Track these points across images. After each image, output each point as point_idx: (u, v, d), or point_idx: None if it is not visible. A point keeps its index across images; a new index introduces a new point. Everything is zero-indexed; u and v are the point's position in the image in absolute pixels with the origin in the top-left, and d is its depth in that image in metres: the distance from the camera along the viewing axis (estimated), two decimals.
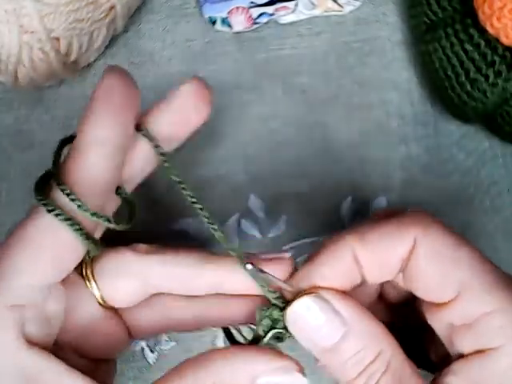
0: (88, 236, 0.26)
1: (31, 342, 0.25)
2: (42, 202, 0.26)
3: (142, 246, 0.29)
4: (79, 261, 0.27)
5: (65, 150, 0.28)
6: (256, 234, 0.38)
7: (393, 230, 0.26)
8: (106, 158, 0.26)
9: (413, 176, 0.38)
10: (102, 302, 0.29)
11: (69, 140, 0.28)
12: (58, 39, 0.34)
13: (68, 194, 0.25)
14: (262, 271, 0.27)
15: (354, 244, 0.26)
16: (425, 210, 0.27)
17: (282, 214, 0.38)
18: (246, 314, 0.29)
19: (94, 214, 0.26)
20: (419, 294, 0.26)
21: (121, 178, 0.28)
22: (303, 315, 0.26)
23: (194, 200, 0.30)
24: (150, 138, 0.29)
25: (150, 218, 0.39)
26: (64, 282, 0.27)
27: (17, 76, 0.35)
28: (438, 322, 0.26)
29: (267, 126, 0.39)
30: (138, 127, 0.28)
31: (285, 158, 0.39)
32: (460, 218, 0.38)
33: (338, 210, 0.38)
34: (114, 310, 0.30)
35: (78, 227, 0.25)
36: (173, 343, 0.37)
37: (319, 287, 0.26)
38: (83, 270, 0.29)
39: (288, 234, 0.38)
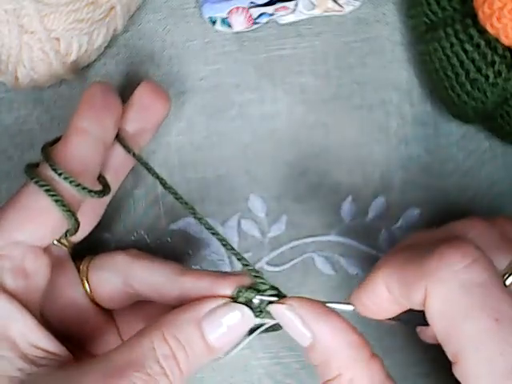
0: (63, 203, 0.29)
1: (4, 290, 0.28)
2: (28, 173, 0.30)
3: (133, 251, 0.33)
4: (58, 230, 0.30)
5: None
6: (256, 233, 0.38)
7: (410, 276, 0.26)
8: (86, 144, 0.31)
9: (413, 176, 0.38)
10: (91, 296, 0.33)
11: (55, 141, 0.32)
12: (58, 39, 0.34)
13: (52, 167, 0.30)
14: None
15: (386, 280, 0.27)
16: (464, 239, 0.27)
17: (282, 214, 0.38)
18: None
19: (75, 184, 0.30)
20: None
21: (100, 169, 0.32)
22: (279, 318, 0.28)
23: (174, 193, 0.33)
24: (125, 144, 0.34)
25: (150, 218, 0.39)
26: (54, 262, 0.31)
27: (17, 76, 0.35)
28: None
29: (267, 125, 0.39)
30: (117, 136, 0.33)
31: (285, 158, 0.39)
32: (460, 218, 0.38)
33: (338, 210, 0.38)
34: (107, 311, 0.34)
35: (53, 193, 0.29)
36: None
37: (302, 298, 0.28)
38: (82, 266, 0.34)
39: (288, 233, 0.38)
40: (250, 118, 0.39)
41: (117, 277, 0.32)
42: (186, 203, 0.32)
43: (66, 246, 0.34)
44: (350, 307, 0.29)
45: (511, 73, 0.33)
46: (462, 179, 0.39)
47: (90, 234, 0.35)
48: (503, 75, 0.33)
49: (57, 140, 0.32)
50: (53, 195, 0.29)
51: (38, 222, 0.30)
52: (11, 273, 0.29)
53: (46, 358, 0.28)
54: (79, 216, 0.31)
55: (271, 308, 0.29)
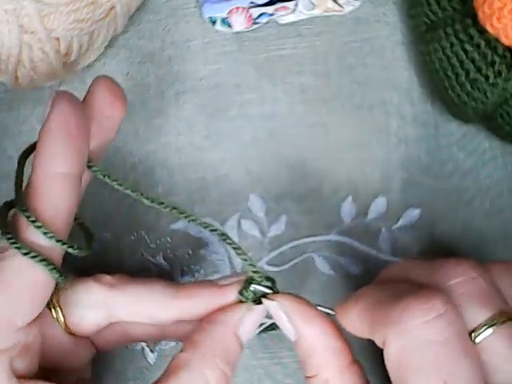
0: (57, 269, 0.26)
1: (20, 376, 0.26)
2: (10, 240, 0.26)
3: (107, 278, 0.30)
4: (50, 293, 0.27)
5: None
6: (256, 233, 0.38)
7: (375, 322, 0.27)
8: (65, 189, 0.27)
9: (413, 176, 0.38)
10: (66, 328, 0.30)
11: (28, 151, 0.29)
12: (58, 39, 0.34)
13: (34, 223, 0.26)
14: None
15: (356, 316, 0.28)
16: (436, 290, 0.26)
17: (282, 214, 0.38)
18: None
19: (60, 242, 0.26)
20: None
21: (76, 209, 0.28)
22: (271, 312, 0.29)
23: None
24: (97, 169, 0.29)
25: (151, 218, 0.39)
26: None
27: (17, 76, 0.35)
28: None
29: (267, 125, 0.39)
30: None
31: (285, 158, 0.39)
32: (460, 218, 0.38)
33: (338, 210, 0.38)
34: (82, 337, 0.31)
35: (47, 263, 0.26)
36: (173, 343, 0.37)
37: (292, 296, 0.29)
38: (51, 302, 0.30)
39: (288, 233, 0.38)
40: (250, 117, 0.39)
41: (98, 312, 0.30)
42: (174, 208, 0.29)
43: None
44: (332, 312, 0.30)
45: (511, 73, 0.33)
46: (462, 179, 0.39)
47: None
48: (503, 75, 0.33)
49: (31, 148, 0.28)
50: (48, 265, 0.26)
51: (37, 297, 0.27)
52: (21, 359, 0.27)
53: None
54: None
55: (264, 301, 0.29)
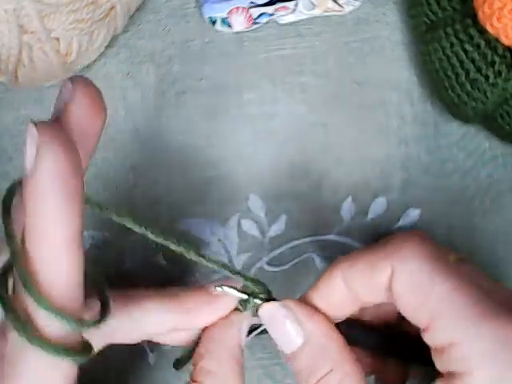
0: (79, 354, 0.23)
1: None
2: (24, 334, 0.22)
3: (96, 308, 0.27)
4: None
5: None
6: (256, 233, 0.38)
7: (374, 259, 0.28)
8: (74, 255, 0.22)
9: (413, 176, 0.38)
10: None
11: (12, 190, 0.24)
12: (57, 39, 0.34)
13: (47, 308, 0.21)
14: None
15: (345, 272, 0.29)
16: (414, 233, 0.29)
17: (281, 213, 0.38)
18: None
19: (76, 324, 0.22)
20: (404, 315, 0.28)
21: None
22: (269, 319, 0.29)
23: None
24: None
25: (150, 218, 0.39)
26: None
27: (17, 76, 0.35)
28: (424, 339, 0.27)
29: (267, 125, 0.39)
30: None
31: (285, 158, 0.39)
32: (460, 218, 0.38)
33: (338, 210, 0.38)
34: None
35: (72, 354, 0.23)
36: None
37: (290, 299, 0.29)
38: None
39: (288, 233, 0.38)
40: (250, 117, 0.39)
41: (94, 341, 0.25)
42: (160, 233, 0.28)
43: None
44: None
45: (511, 73, 0.33)
46: (462, 179, 0.39)
47: (90, 233, 0.35)
48: (503, 75, 0.33)
49: (14, 187, 0.24)
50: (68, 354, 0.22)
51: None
52: None
53: None
54: None
55: (263, 308, 0.29)
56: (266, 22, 0.38)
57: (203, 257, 0.28)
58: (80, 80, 0.22)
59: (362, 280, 0.28)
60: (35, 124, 0.20)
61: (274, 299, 0.29)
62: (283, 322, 0.28)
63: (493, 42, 0.33)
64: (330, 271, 0.29)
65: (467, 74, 0.34)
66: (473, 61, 0.34)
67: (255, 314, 0.29)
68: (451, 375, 0.26)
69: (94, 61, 0.38)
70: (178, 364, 0.31)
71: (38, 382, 0.22)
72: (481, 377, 0.25)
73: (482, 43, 0.33)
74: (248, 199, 0.38)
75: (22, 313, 0.22)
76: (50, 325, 0.22)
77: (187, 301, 0.30)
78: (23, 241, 0.22)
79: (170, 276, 0.38)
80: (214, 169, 0.39)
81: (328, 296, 0.29)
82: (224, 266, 0.29)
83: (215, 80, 0.39)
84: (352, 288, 0.28)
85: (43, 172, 0.20)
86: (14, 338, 0.22)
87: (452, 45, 0.34)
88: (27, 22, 0.33)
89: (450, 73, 0.35)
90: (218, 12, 0.38)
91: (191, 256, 0.28)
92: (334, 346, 0.28)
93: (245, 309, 0.29)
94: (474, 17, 0.33)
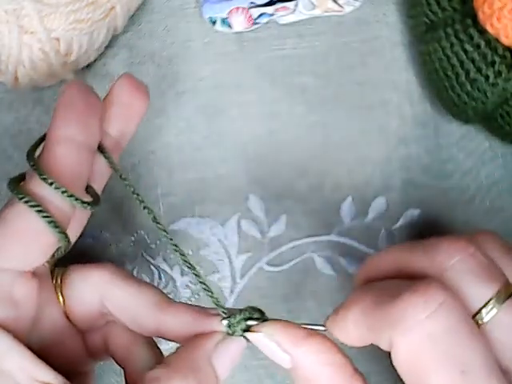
0: (56, 224, 0.27)
1: None
2: (14, 191, 0.27)
3: (111, 267, 0.31)
4: (50, 252, 0.28)
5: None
6: (256, 234, 0.38)
7: (378, 324, 0.26)
8: (72, 154, 0.28)
9: (413, 176, 0.38)
10: (64, 310, 0.30)
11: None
12: (57, 39, 0.34)
13: (44, 178, 0.27)
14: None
15: (356, 322, 0.27)
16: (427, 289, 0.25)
17: (281, 213, 0.38)
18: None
19: (68, 195, 0.28)
20: None
21: (87, 178, 0.30)
22: (257, 344, 0.28)
23: (145, 206, 0.31)
24: (107, 155, 0.31)
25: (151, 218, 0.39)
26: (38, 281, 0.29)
27: (17, 76, 0.35)
28: None
29: (267, 125, 0.39)
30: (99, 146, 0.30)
31: (285, 158, 0.39)
32: (460, 218, 0.38)
33: (338, 210, 0.38)
34: (77, 330, 0.31)
35: (46, 215, 0.27)
36: (172, 343, 0.37)
37: (278, 322, 0.28)
38: (54, 279, 0.31)
39: (288, 233, 0.38)
40: (250, 117, 0.39)
41: (92, 295, 0.30)
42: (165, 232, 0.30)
43: (48, 262, 0.30)
44: (322, 329, 0.29)
45: (511, 73, 0.33)
46: (462, 179, 0.39)
47: (90, 234, 0.35)
48: (503, 75, 0.33)
49: (40, 141, 0.30)
50: (45, 216, 0.27)
51: (30, 246, 0.27)
52: (0, 303, 0.27)
53: None
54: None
55: (248, 336, 0.28)
56: (266, 23, 0.38)
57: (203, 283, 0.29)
58: (126, 74, 0.32)
59: (370, 337, 0.27)
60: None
61: (266, 319, 0.29)
62: (269, 349, 0.28)
63: (493, 42, 0.33)
64: (343, 314, 0.28)
65: (467, 74, 0.34)
66: (473, 61, 0.34)
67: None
68: None
69: (94, 61, 0.38)
70: None
71: (26, 240, 0.27)
72: None
73: (482, 43, 0.33)
74: (248, 199, 0.38)
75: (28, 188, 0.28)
76: (52, 203, 0.27)
77: (181, 310, 0.29)
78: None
79: (170, 276, 0.38)
80: (213, 169, 0.39)
81: (343, 330, 0.28)
82: (217, 303, 0.29)
83: (215, 80, 0.39)
84: (362, 335, 0.27)
85: (62, 95, 0.29)
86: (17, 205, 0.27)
87: (452, 45, 0.34)
88: (27, 22, 0.33)
89: (449, 73, 0.35)
90: (218, 12, 0.38)
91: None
92: (323, 371, 0.27)
93: (232, 333, 0.28)
94: (474, 17, 0.33)
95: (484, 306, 0.26)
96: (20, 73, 0.35)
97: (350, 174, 0.39)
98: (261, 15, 0.38)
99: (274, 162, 0.39)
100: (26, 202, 0.27)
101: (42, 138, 0.29)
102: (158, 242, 0.39)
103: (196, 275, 0.29)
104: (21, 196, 0.27)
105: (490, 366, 0.24)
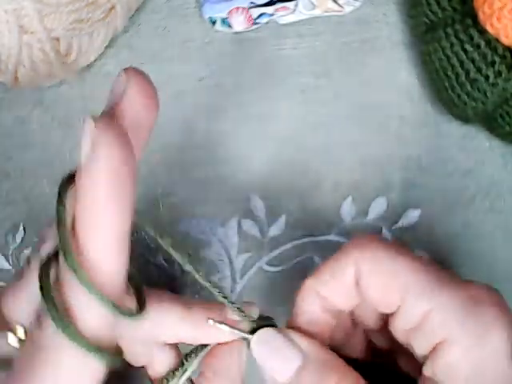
0: (111, 355, 0.24)
1: None
2: (60, 323, 0.22)
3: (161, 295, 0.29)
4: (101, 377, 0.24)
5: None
6: (256, 234, 0.38)
7: (338, 259, 0.28)
8: (120, 248, 0.23)
9: (413, 176, 0.38)
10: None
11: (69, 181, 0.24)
12: (57, 39, 0.34)
13: (89, 289, 0.22)
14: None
15: (313, 283, 0.29)
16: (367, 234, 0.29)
17: (281, 213, 0.38)
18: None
19: (118, 310, 0.23)
20: (375, 307, 0.28)
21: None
22: (264, 345, 0.28)
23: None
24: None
25: (150, 218, 0.39)
26: None
27: (17, 76, 0.35)
28: (397, 331, 0.27)
29: (267, 125, 0.39)
30: None
31: (285, 158, 0.39)
32: (460, 218, 0.38)
33: (338, 210, 0.38)
34: None
35: (105, 356, 0.23)
36: None
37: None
38: None
39: (288, 233, 0.38)
40: (249, 118, 0.39)
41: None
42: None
43: None
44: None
45: (511, 73, 0.33)
46: (461, 179, 0.39)
47: None
48: (503, 75, 0.33)
49: (71, 177, 0.23)
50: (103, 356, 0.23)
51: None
52: None
53: None
54: None
55: (261, 332, 0.28)
56: (266, 23, 0.38)
57: (210, 282, 0.28)
58: (133, 72, 0.23)
59: (331, 287, 0.28)
60: (92, 118, 0.21)
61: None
62: (279, 346, 0.28)
63: (493, 42, 0.33)
64: (301, 291, 0.29)
65: (467, 74, 0.34)
66: (473, 61, 0.34)
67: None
68: (432, 352, 0.26)
69: (94, 61, 0.38)
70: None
71: (65, 375, 0.23)
72: (458, 348, 0.25)
73: (482, 43, 0.33)
74: (248, 199, 0.38)
75: (61, 303, 0.22)
76: (88, 317, 0.22)
77: (199, 316, 0.28)
78: (72, 228, 0.22)
79: (170, 276, 0.38)
80: (214, 169, 0.39)
81: (307, 314, 0.29)
82: (227, 299, 0.28)
83: (215, 80, 0.39)
84: (325, 300, 0.28)
85: (97, 160, 0.21)
86: (50, 326, 0.22)
87: (452, 45, 0.34)
88: (27, 22, 0.33)
89: (450, 73, 0.35)
90: (218, 12, 0.38)
91: (200, 279, 0.28)
92: (336, 360, 0.27)
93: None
94: (474, 17, 0.33)
95: None
96: (20, 73, 0.35)
97: (350, 174, 0.39)
98: (261, 15, 0.38)
99: (274, 162, 0.39)
100: (73, 338, 0.22)
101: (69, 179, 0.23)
102: (158, 242, 0.38)
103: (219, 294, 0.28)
104: (65, 328, 0.22)
105: None
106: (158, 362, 0.30)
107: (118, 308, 0.23)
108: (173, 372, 0.29)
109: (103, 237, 0.22)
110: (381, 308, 0.28)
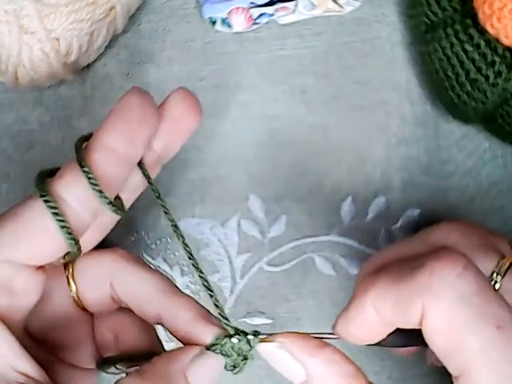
0: (69, 231, 0.27)
1: None
2: (38, 186, 0.27)
3: (121, 251, 0.31)
4: (58, 254, 0.28)
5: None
6: (256, 234, 0.38)
7: (405, 295, 0.25)
8: (111, 165, 0.27)
9: (413, 176, 0.38)
10: (77, 298, 0.30)
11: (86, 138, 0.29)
12: (58, 39, 0.34)
13: (85, 171, 0.27)
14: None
15: (375, 304, 0.26)
16: (451, 253, 0.25)
17: (281, 214, 0.38)
18: None
19: (98, 190, 0.27)
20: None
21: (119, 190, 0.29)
22: (268, 357, 0.28)
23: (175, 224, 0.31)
24: (146, 172, 0.30)
25: (150, 218, 0.39)
26: (47, 271, 0.28)
27: (17, 76, 0.35)
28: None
29: (267, 125, 0.39)
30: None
31: (285, 158, 0.39)
32: (460, 218, 0.38)
33: (338, 210, 0.38)
34: (88, 318, 0.31)
35: (61, 219, 0.26)
36: (172, 343, 0.37)
37: (290, 333, 0.27)
38: (66, 268, 0.30)
39: (288, 233, 0.38)
40: (250, 117, 0.39)
41: (104, 279, 0.30)
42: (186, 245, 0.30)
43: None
44: (334, 337, 0.28)
45: (511, 73, 0.33)
46: (462, 179, 0.39)
47: None
48: (503, 75, 0.33)
49: (89, 137, 0.28)
50: (60, 220, 0.26)
51: (38, 243, 0.27)
52: None
53: (26, 383, 0.26)
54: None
55: (260, 347, 0.28)
56: (266, 23, 0.38)
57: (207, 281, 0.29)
58: (181, 87, 0.30)
59: (395, 313, 0.26)
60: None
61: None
62: (282, 361, 0.27)
63: (493, 42, 0.33)
64: (361, 300, 0.27)
65: (467, 74, 0.34)
66: (473, 61, 0.34)
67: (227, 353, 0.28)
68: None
69: (94, 61, 0.38)
70: (103, 365, 0.31)
71: (35, 239, 0.26)
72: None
73: (482, 43, 0.33)
74: (248, 199, 0.38)
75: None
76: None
77: (184, 302, 0.29)
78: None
79: (170, 276, 0.38)
80: (214, 169, 0.39)
81: (360, 323, 0.27)
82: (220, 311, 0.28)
83: (215, 80, 0.39)
84: (384, 317, 0.27)
85: (120, 100, 0.28)
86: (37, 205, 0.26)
87: (452, 45, 0.34)
88: (27, 22, 0.33)
89: (450, 73, 0.35)
90: (218, 12, 0.38)
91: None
92: (339, 382, 0.26)
93: (217, 346, 0.27)
94: (474, 17, 0.33)
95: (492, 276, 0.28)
96: (20, 73, 0.35)
97: (350, 173, 0.39)
98: (261, 15, 0.38)
99: (274, 162, 0.39)
100: (46, 201, 0.26)
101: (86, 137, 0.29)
102: (158, 242, 0.39)
103: (210, 292, 0.28)
104: (42, 193, 0.26)
105: None
106: None
107: (108, 199, 0.27)
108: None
109: (115, 158, 0.28)
110: (439, 359, 0.26)
